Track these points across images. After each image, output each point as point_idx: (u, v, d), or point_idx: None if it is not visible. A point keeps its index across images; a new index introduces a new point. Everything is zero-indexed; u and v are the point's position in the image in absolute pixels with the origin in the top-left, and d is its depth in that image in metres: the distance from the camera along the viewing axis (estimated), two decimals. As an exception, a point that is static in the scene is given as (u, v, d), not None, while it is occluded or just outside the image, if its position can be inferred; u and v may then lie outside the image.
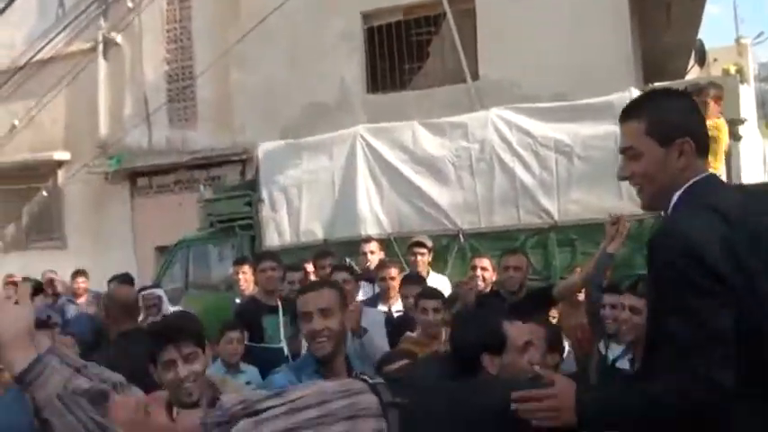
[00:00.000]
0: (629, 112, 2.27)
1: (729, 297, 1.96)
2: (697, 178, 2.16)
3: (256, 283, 6.54)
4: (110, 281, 10.26)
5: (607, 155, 7.03)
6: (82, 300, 9.25)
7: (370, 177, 8.16)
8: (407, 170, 7.97)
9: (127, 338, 4.73)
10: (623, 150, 2.28)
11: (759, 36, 40.20)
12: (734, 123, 9.25)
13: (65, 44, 15.29)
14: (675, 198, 2.15)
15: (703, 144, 2.20)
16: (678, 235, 2.04)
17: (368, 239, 7.55)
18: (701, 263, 1.96)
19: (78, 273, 9.57)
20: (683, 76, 17.07)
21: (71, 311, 8.91)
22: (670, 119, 2.19)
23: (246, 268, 7.06)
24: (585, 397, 2.10)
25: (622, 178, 2.33)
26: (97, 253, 14.41)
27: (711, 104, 7.15)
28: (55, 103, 15.35)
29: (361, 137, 8.28)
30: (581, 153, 7.13)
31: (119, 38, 15.29)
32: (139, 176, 15.39)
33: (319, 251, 7.36)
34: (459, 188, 7.74)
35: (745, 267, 1.98)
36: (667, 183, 2.18)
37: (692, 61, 16.57)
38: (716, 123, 7.13)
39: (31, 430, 3.55)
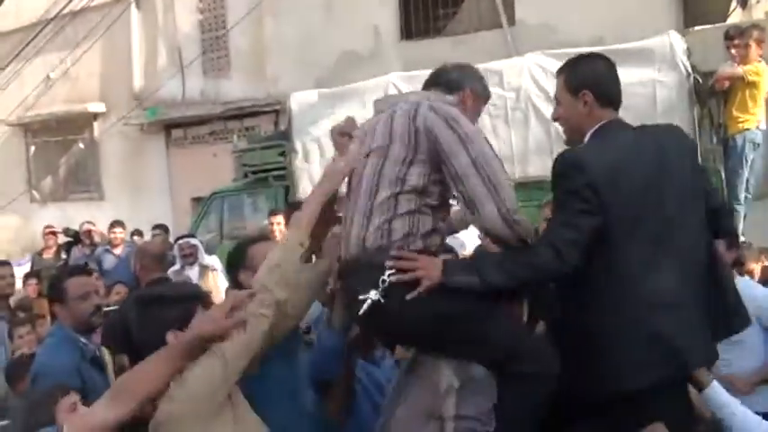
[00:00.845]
0: (560, 70, 2.94)
1: (597, 206, 2.61)
2: (603, 122, 2.79)
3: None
4: (133, 233, 10.50)
5: (646, 102, 6.89)
6: (118, 250, 9.44)
7: (404, 126, 8.10)
8: (441, 119, 7.89)
9: (158, 286, 4.99)
10: (555, 98, 2.98)
11: (805, -23, 38.92)
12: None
13: (98, -7, 15.29)
14: (588, 136, 2.80)
15: (606, 97, 2.82)
16: (573, 156, 2.74)
17: None
18: (582, 176, 2.62)
19: (115, 223, 9.76)
20: (724, 19, 16.58)
21: (108, 261, 9.12)
22: (579, 75, 2.85)
23: (281, 219, 7.08)
24: (452, 262, 2.74)
25: (553, 119, 3.02)
26: (134, 204, 14.62)
27: (753, 47, 6.96)
28: (89, 55, 15.35)
29: (394, 85, 8.19)
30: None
31: (152, -14, 15.26)
32: (174, 128, 15.47)
33: None
34: (493, 138, 7.60)
35: (619, 191, 2.65)
36: (576, 124, 2.85)
37: (734, 3, 16.10)
38: (756, 68, 6.95)
39: (76, 369, 3.63)
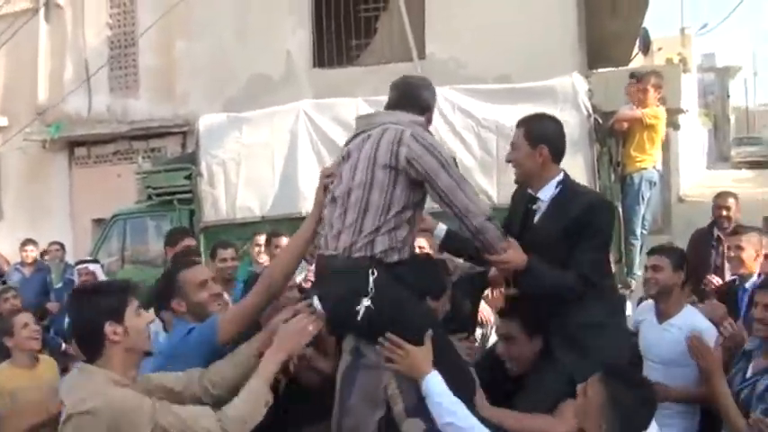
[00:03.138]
0: (521, 121, 3.57)
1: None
2: (563, 174, 3.53)
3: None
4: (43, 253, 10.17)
5: (547, 139, 7.08)
6: (28, 269, 9.36)
7: (313, 153, 8.04)
8: (350, 148, 7.88)
9: None
10: (512, 144, 3.59)
11: (703, 27, 41.18)
12: (675, 113, 9.39)
13: (5, 2, 14.81)
14: (554, 184, 3.49)
15: (557, 154, 3.52)
16: (609, 204, 3.82)
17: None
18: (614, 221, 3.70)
19: (27, 241, 9.64)
20: (626, 63, 17.30)
21: (14, 279, 9.10)
22: (539, 130, 3.50)
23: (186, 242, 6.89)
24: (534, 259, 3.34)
25: (507, 161, 3.65)
26: (33, 224, 14.05)
27: (651, 92, 7.25)
28: (-7, 65, 14.91)
29: (304, 112, 8.14)
30: (522, 136, 7.14)
31: (61, -1, 14.88)
32: (78, 146, 15.03)
33: (274, 231, 7.23)
34: (401, 167, 7.69)
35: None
36: (528, 170, 3.52)
37: (636, 49, 16.80)
38: (654, 111, 7.24)
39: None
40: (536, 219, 3.55)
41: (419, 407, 3.02)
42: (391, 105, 3.37)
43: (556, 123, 3.59)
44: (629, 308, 5.56)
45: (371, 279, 3.03)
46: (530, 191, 3.59)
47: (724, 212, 6.43)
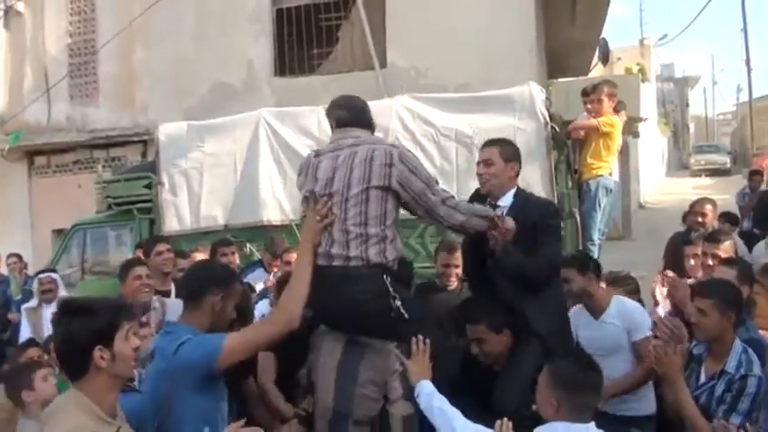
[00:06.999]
0: (494, 141, 4.23)
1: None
2: (517, 184, 4.16)
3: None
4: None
5: (506, 146, 7.16)
6: None
7: (273, 162, 8.05)
8: (311, 155, 7.91)
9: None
10: (484, 161, 4.13)
11: (663, 38, 41.83)
12: (634, 121, 9.53)
13: (-37, 10, 14.64)
14: (513, 193, 4.11)
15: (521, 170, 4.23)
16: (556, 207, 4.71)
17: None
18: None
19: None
20: (586, 73, 17.54)
21: None
22: (511, 150, 4.17)
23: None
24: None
25: (479, 174, 4.15)
26: (-8, 234, 13.89)
27: (605, 101, 7.36)
28: (-50, 73, 14.68)
29: (265, 120, 8.14)
30: (480, 144, 7.20)
31: (21, 6, 14.68)
32: (37, 155, 14.85)
33: (220, 240, 7.26)
34: (360, 175, 7.73)
35: None
36: (501, 183, 4.08)
37: (595, 59, 17.02)
38: (609, 120, 7.35)
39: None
40: None
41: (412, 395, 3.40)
42: (345, 123, 3.73)
43: (516, 147, 4.25)
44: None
45: (388, 283, 3.40)
46: (489, 200, 4.09)
47: (699, 219, 6.76)
